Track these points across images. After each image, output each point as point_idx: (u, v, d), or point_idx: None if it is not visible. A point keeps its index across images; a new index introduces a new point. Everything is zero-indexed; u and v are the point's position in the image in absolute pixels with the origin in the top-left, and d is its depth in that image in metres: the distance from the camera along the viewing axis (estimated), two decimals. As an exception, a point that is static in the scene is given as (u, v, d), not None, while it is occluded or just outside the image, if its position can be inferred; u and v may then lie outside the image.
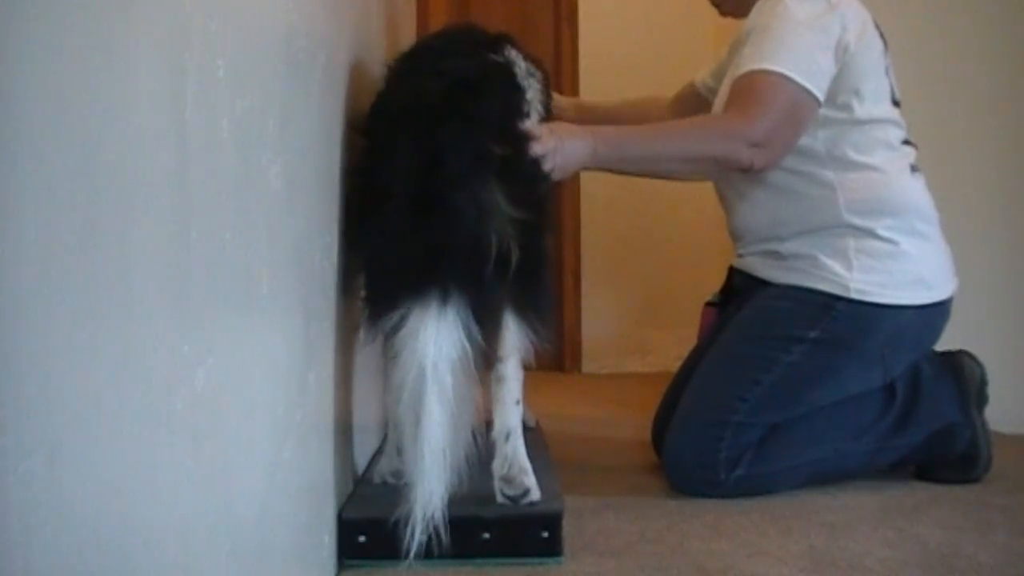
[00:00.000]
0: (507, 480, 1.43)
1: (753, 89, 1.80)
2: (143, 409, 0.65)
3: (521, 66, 1.58)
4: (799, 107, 1.81)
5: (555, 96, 2.27)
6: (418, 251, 1.36)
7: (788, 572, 1.36)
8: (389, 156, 1.41)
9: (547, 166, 1.59)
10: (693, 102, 2.25)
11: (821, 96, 1.81)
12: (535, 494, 1.43)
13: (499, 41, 1.61)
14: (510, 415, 1.45)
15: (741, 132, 1.77)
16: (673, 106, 2.31)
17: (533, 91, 1.58)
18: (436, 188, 1.37)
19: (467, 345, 1.32)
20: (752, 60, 1.81)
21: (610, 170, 1.82)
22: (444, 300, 1.31)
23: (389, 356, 1.45)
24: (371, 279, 1.43)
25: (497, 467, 1.43)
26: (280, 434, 1.03)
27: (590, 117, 2.33)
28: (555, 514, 1.40)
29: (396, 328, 1.32)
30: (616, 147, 1.75)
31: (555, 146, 1.60)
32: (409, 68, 1.57)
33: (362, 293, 1.44)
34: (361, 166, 1.47)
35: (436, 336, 1.30)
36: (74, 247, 0.56)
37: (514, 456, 1.44)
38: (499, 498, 1.42)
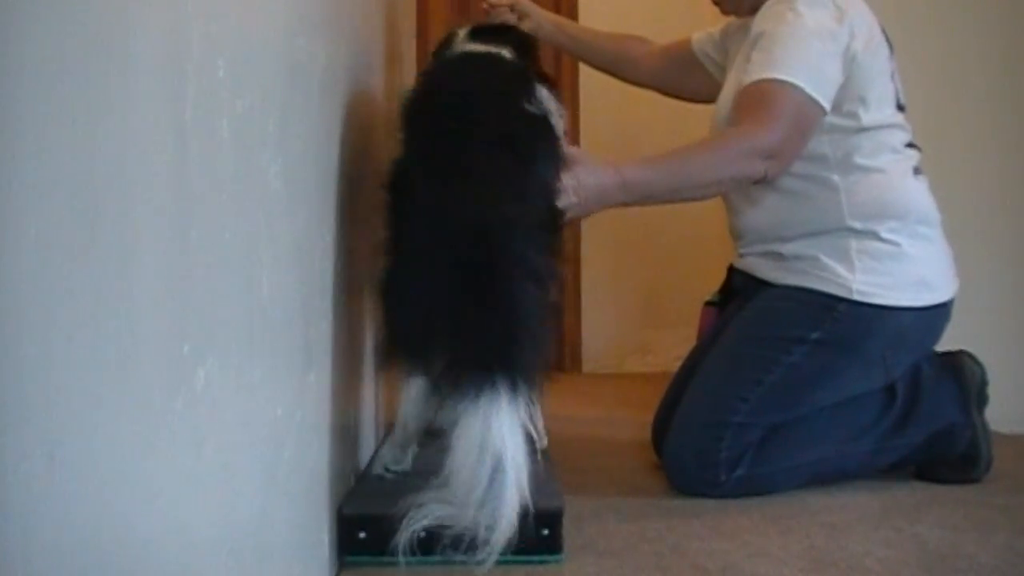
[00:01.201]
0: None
1: (763, 99, 1.79)
2: (143, 409, 0.65)
3: (552, 108, 1.56)
4: (806, 117, 1.80)
5: (537, 12, 2.23)
6: (479, 336, 1.33)
7: (788, 572, 1.36)
8: (428, 223, 1.39)
9: (565, 219, 1.60)
10: (686, 63, 2.22)
11: (827, 105, 1.81)
12: None
13: (526, 81, 1.57)
14: None
15: (757, 146, 1.76)
16: (663, 58, 2.28)
17: (560, 129, 1.57)
18: (492, 264, 1.35)
19: (531, 426, 1.32)
20: (762, 68, 1.80)
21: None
22: (514, 390, 1.29)
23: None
24: (414, 346, 1.43)
25: None
26: (280, 434, 1.03)
27: (569, 42, 2.32)
28: (555, 512, 1.40)
29: (461, 410, 1.30)
30: (643, 188, 1.72)
31: (576, 201, 1.62)
32: (436, 118, 1.50)
33: (393, 347, 1.45)
34: (389, 226, 1.46)
35: (510, 429, 1.28)
36: (74, 247, 0.56)
37: None
38: None
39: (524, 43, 1.82)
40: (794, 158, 1.83)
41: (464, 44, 1.76)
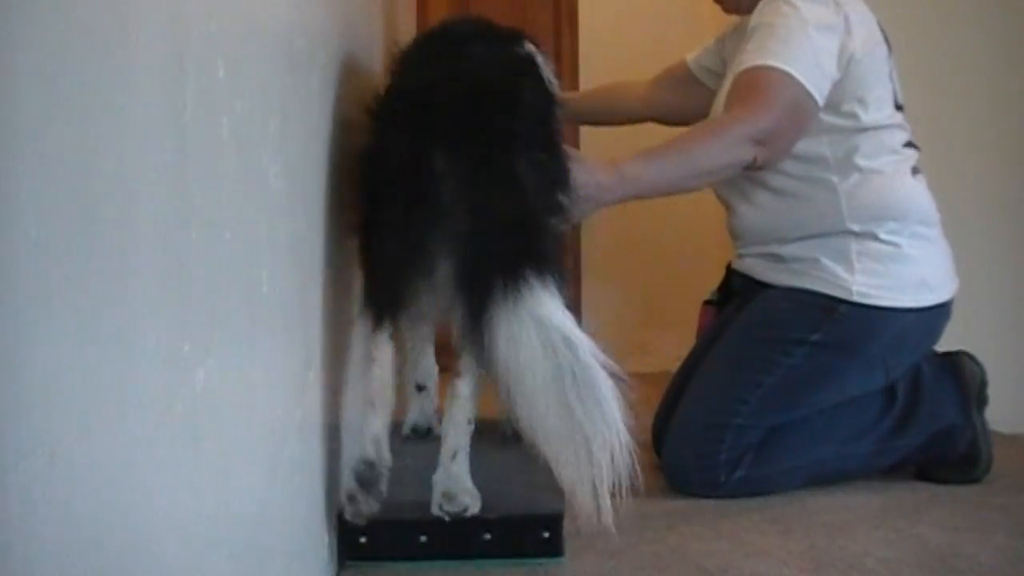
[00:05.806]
0: (448, 496, 1.37)
1: (756, 85, 1.78)
2: (143, 409, 0.65)
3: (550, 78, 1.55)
4: (800, 108, 1.79)
5: None
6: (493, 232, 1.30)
7: (788, 572, 1.36)
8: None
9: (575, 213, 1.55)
10: (684, 84, 2.19)
11: (821, 100, 1.80)
12: (474, 509, 1.38)
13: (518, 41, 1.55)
14: (461, 435, 1.40)
15: (748, 131, 1.75)
16: (656, 87, 2.24)
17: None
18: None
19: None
20: (756, 56, 1.79)
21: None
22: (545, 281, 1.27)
23: None
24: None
25: (439, 480, 1.38)
26: (280, 434, 1.03)
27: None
28: (556, 514, 1.40)
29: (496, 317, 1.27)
30: (642, 184, 1.72)
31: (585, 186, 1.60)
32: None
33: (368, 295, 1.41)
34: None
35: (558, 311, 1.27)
36: (74, 247, 0.56)
37: (459, 475, 1.39)
38: (435, 510, 1.37)
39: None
40: (787, 149, 1.82)
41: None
